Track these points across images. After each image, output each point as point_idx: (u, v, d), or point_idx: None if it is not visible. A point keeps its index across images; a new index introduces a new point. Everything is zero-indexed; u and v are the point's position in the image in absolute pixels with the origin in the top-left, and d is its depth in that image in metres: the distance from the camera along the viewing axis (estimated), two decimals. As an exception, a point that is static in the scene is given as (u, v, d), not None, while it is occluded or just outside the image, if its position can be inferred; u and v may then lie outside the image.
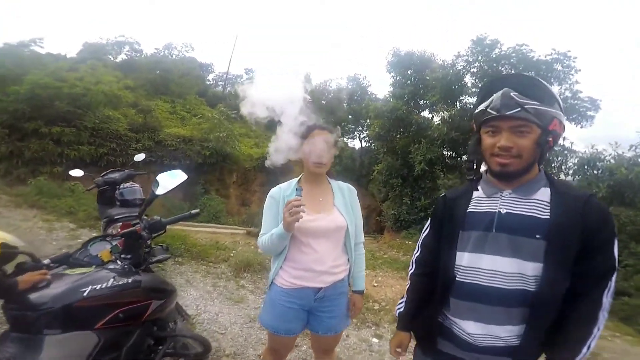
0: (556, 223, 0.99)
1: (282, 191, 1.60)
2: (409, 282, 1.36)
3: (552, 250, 0.98)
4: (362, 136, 16.60)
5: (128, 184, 3.82)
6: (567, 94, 8.56)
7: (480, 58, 9.08)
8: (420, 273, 1.32)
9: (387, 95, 11.61)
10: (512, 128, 1.00)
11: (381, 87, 47.65)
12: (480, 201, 1.14)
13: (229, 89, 19.07)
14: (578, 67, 8.43)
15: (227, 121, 11.67)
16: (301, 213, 1.36)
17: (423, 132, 9.85)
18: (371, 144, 14.46)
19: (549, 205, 1.02)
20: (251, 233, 8.38)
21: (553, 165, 8.67)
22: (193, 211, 1.80)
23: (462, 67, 9.54)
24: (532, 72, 8.41)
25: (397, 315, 1.36)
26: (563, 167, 8.23)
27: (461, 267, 1.11)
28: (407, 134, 10.18)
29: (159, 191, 1.54)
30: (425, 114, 11.15)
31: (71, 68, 10.21)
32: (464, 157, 10.15)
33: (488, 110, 1.04)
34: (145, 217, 1.71)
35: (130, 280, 1.47)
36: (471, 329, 1.09)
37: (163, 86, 14.45)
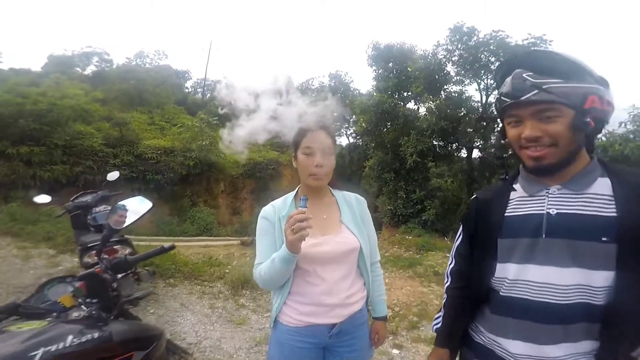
0: (628, 220, 0.82)
1: (276, 211, 1.31)
2: (446, 296, 1.20)
3: (627, 253, 0.81)
4: (348, 132, 16.41)
5: (101, 207, 3.45)
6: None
7: (459, 46, 9.10)
8: (457, 287, 1.15)
9: (371, 90, 11.49)
10: (535, 114, 0.86)
11: (364, 82, 47.62)
12: (521, 202, 0.97)
13: (208, 95, 18.53)
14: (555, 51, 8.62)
15: (209, 128, 11.24)
16: (307, 230, 1.07)
17: (411, 124, 9.73)
18: (359, 139, 14.28)
19: (612, 199, 0.85)
20: (245, 243, 8.05)
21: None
22: (166, 245, 1.48)
23: (442, 56, 9.56)
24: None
25: (434, 331, 1.22)
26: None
27: (505, 281, 0.95)
28: (395, 126, 10.02)
29: (118, 225, 1.31)
30: (411, 105, 11.08)
31: (33, 82, 9.73)
32: (454, 146, 10.09)
33: (502, 97, 0.91)
34: (105, 257, 1.39)
35: (97, 334, 1.14)
36: (518, 349, 0.94)
37: (138, 97, 13.87)
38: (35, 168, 8.10)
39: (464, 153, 10.34)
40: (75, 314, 1.23)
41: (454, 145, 10.04)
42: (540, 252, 0.90)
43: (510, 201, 0.99)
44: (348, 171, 13.43)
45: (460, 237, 1.16)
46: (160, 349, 1.48)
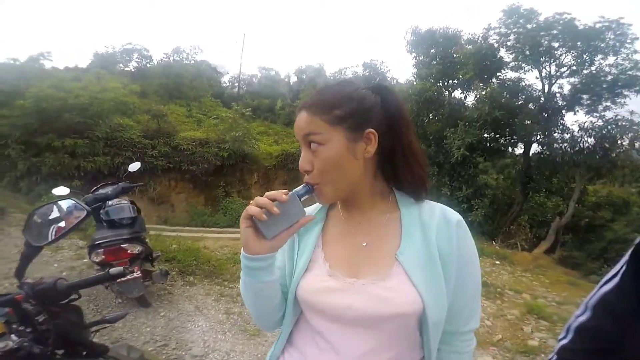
0: None
1: None
2: (555, 357, 0.72)
3: None
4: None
5: (115, 201, 3.22)
6: (626, 64, 7.68)
7: (515, 30, 8.28)
8: (584, 349, 0.68)
9: (411, 78, 10.76)
10: None
11: (401, 70, 45.86)
12: None
13: (245, 88, 18.68)
14: (635, 35, 7.54)
15: (243, 120, 11.15)
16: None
17: (458, 114, 8.93)
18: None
19: None
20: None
21: (620, 142, 7.52)
22: (112, 270, 1.09)
23: (495, 40, 8.76)
24: (579, 43, 7.46)
25: None
26: (637, 144, 7.09)
27: None
28: (440, 116, 9.26)
29: (38, 240, 1.01)
30: (458, 93, 10.26)
31: (76, 78, 10.08)
32: (508, 140, 9.05)
33: None
34: (28, 281, 1.04)
35: None
36: None
37: (176, 90, 14.17)
38: (79, 159, 8.39)
39: (520, 148, 9.26)
40: (0, 345, 0.94)
41: (508, 138, 9.00)
42: None
43: None
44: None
45: (616, 281, 0.65)
46: None
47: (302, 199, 0.69)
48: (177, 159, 10.25)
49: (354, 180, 0.71)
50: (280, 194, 0.65)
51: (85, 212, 1.06)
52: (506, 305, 4.24)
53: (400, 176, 0.74)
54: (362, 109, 0.69)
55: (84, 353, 1.12)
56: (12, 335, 0.95)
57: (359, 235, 0.75)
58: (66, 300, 1.10)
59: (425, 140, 9.68)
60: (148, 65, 16.17)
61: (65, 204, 1.09)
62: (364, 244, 0.74)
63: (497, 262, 6.13)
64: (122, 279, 2.64)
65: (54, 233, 1.03)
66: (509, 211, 8.84)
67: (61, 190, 3.48)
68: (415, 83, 9.72)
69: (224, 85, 21.46)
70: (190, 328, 2.94)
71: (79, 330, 1.14)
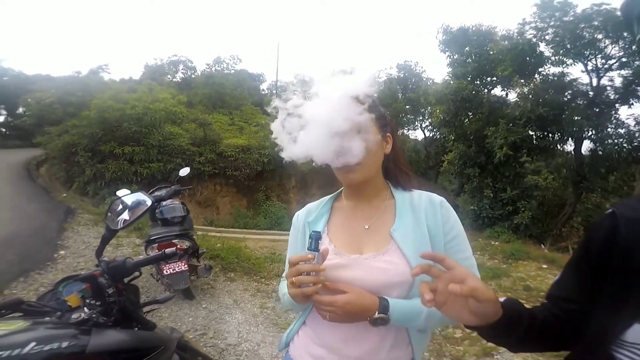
0: None
1: (305, 215, 0.99)
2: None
3: None
4: (424, 125, 15.27)
5: (168, 201, 3.61)
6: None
7: (552, 23, 7.86)
8: (558, 295, 0.74)
9: (447, 77, 10.43)
10: None
11: (436, 70, 44.59)
12: None
13: (282, 95, 19.28)
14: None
15: (282, 126, 11.56)
16: (314, 286, 0.77)
17: (499, 112, 8.51)
18: (436, 132, 13.12)
19: None
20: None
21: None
22: (167, 250, 1.36)
23: (532, 35, 8.31)
24: (626, 34, 6.84)
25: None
26: None
27: None
28: (479, 115, 8.88)
29: (115, 225, 1.25)
30: (497, 91, 9.76)
31: (130, 89, 11.01)
32: (556, 137, 8.43)
33: None
34: (104, 259, 1.29)
35: (66, 344, 1.02)
36: None
37: (219, 100, 15.00)
38: (136, 165, 9.25)
39: (569, 145, 8.60)
40: (74, 316, 1.16)
41: (556, 135, 8.39)
42: None
43: None
44: (423, 166, 12.43)
45: (567, 271, 0.74)
46: None
47: (319, 245, 0.78)
48: (222, 165, 10.88)
49: (376, 168, 0.89)
50: (312, 258, 0.76)
51: (150, 202, 1.33)
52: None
53: (394, 171, 0.94)
54: (383, 116, 0.89)
55: (137, 327, 1.36)
56: (85, 308, 1.21)
57: (362, 219, 0.91)
58: (130, 278, 1.37)
59: (465, 140, 9.33)
60: (192, 75, 17.32)
61: (135, 197, 1.36)
62: (366, 227, 0.89)
63: (544, 266, 5.75)
64: (173, 263, 3.00)
65: (127, 219, 1.29)
66: (559, 213, 8.20)
67: (124, 192, 3.96)
68: (451, 82, 9.42)
69: (262, 92, 22.31)
70: (228, 320, 3.20)
71: (135, 307, 1.39)
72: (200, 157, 10.64)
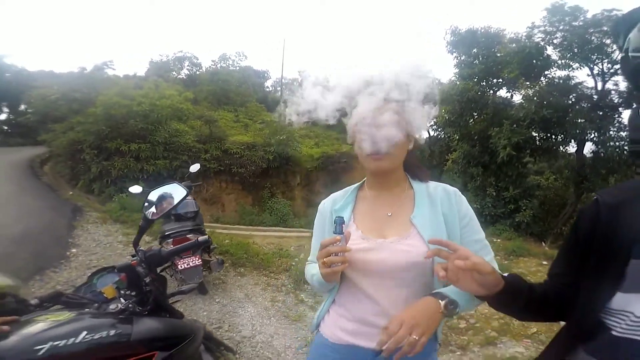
0: None
1: (332, 204, 1.11)
2: None
3: None
4: (428, 125, 15.19)
5: None
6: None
7: (561, 27, 7.97)
8: (558, 273, 0.86)
9: (453, 78, 10.49)
10: None
11: (441, 70, 44.10)
12: None
13: (287, 92, 19.29)
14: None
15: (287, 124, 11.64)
16: (346, 255, 0.89)
17: (503, 113, 8.60)
18: (440, 131, 13.19)
19: None
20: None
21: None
22: (200, 238, 1.48)
23: (540, 38, 8.43)
24: None
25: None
26: None
27: (629, 317, 0.67)
28: (484, 116, 8.96)
29: (153, 215, 1.31)
30: (503, 93, 9.85)
31: (137, 85, 10.90)
32: (559, 138, 8.50)
33: (631, 55, 0.69)
34: (141, 249, 1.36)
35: (114, 332, 1.10)
36: None
37: (224, 96, 14.95)
38: (142, 163, 9.22)
39: (572, 147, 8.68)
40: (112, 306, 1.23)
41: (559, 137, 8.48)
42: None
43: None
44: (427, 165, 12.52)
45: (562, 254, 0.87)
46: (190, 349, 1.42)
47: (343, 229, 0.90)
48: (227, 162, 10.88)
49: (400, 160, 1.00)
50: (339, 239, 0.87)
51: (186, 192, 1.39)
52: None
53: (412, 165, 1.07)
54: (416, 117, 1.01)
55: (167, 316, 1.47)
56: (121, 299, 1.26)
57: (385, 208, 1.03)
58: (162, 268, 1.47)
59: (469, 140, 9.42)
60: (198, 72, 17.22)
61: (170, 188, 1.41)
62: (389, 214, 1.01)
63: (545, 263, 5.87)
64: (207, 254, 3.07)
65: (163, 208, 1.35)
66: (560, 212, 8.30)
67: (136, 189, 4.05)
68: (457, 83, 9.50)
69: (267, 89, 22.33)
70: (241, 313, 3.33)
71: (164, 297, 1.49)
72: (205, 154, 10.65)
